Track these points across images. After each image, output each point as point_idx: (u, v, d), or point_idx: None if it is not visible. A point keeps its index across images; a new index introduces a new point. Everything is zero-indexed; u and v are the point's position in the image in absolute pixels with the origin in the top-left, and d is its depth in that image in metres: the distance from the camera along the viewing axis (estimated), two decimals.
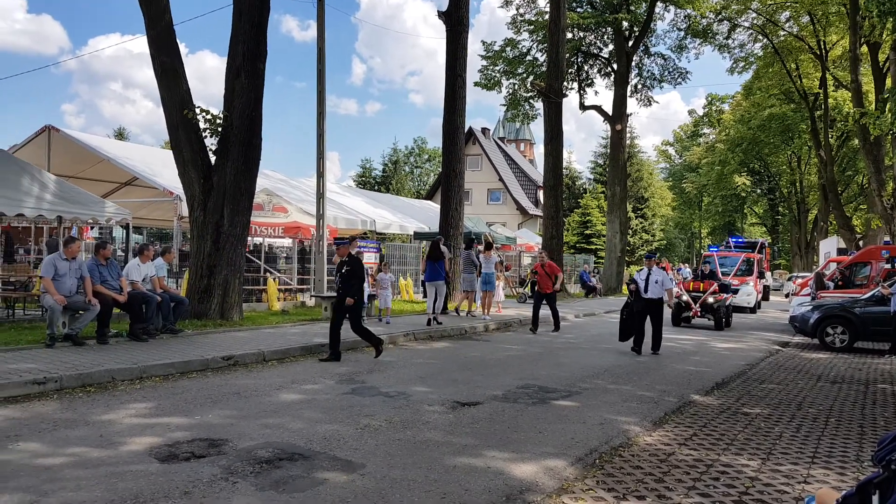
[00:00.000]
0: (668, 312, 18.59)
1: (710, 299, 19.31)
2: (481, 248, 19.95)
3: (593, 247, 56.07)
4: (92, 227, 24.10)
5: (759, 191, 69.05)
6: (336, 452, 5.86)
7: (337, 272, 11.51)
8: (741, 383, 10.50)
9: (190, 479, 5.07)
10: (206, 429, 6.49)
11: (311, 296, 19.57)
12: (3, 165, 13.42)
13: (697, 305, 19.37)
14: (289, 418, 7.02)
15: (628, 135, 44.64)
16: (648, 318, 13.47)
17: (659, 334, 13.57)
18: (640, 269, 14.04)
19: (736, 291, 25.05)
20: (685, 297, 19.64)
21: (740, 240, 37.75)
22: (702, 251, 66.34)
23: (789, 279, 44.95)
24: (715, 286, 19.67)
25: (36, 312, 13.96)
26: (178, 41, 14.80)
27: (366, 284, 15.05)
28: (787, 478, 5.65)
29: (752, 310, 28.05)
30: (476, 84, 38.98)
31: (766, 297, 36.53)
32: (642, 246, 61.84)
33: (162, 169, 20.07)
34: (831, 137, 41.48)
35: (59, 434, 6.18)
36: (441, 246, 17.76)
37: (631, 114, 38.90)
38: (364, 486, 5.05)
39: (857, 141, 35.17)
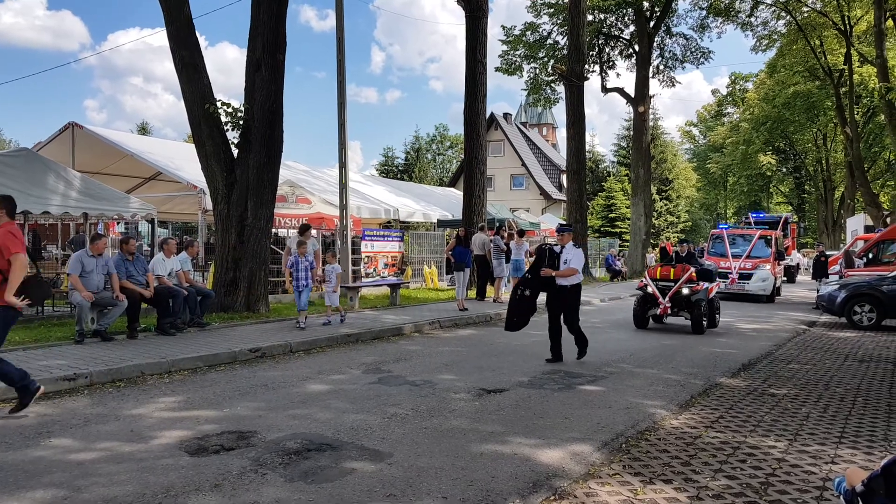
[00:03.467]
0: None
1: (685, 290, 14.09)
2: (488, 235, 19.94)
3: (618, 230, 55.91)
4: (118, 223, 24.38)
5: (784, 169, 68.22)
6: (363, 442, 5.91)
7: None
8: (768, 364, 10.44)
9: (220, 471, 5.14)
10: (234, 421, 6.57)
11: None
12: (28, 164, 13.60)
13: (666, 299, 14.15)
14: (316, 409, 7.08)
15: (651, 116, 44.16)
16: (562, 315, 10.52)
17: (578, 332, 10.53)
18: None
19: (749, 276, 22.93)
20: (650, 289, 14.50)
21: (762, 215, 34.51)
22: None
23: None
24: (691, 272, 14.35)
25: (65, 309, 14.14)
26: (197, 35, 14.88)
27: (302, 272, 12.96)
28: (814, 458, 5.63)
29: (770, 298, 23.35)
30: (497, 69, 38.80)
31: (791, 280, 35.75)
32: (667, 228, 61.44)
33: (185, 163, 20.21)
34: (857, 114, 40.91)
35: (91, 429, 6.29)
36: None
37: (653, 95, 38.40)
38: (392, 475, 5.09)
39: (883, 117, 34.50)
